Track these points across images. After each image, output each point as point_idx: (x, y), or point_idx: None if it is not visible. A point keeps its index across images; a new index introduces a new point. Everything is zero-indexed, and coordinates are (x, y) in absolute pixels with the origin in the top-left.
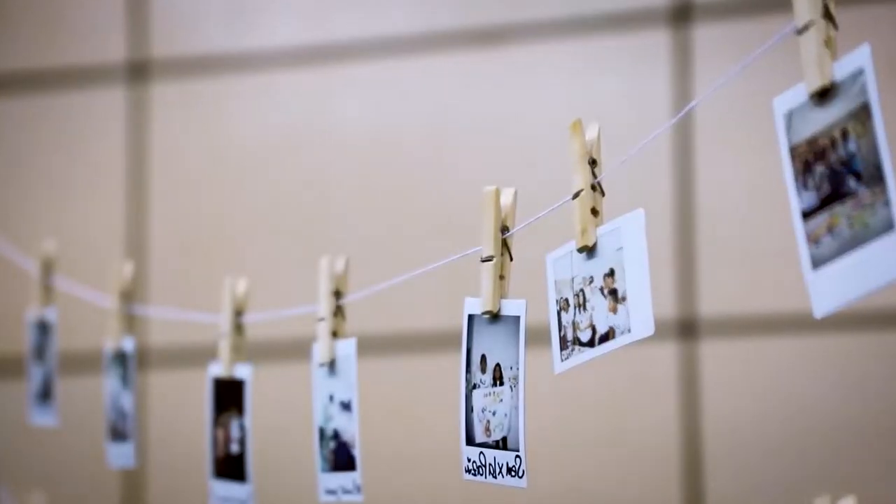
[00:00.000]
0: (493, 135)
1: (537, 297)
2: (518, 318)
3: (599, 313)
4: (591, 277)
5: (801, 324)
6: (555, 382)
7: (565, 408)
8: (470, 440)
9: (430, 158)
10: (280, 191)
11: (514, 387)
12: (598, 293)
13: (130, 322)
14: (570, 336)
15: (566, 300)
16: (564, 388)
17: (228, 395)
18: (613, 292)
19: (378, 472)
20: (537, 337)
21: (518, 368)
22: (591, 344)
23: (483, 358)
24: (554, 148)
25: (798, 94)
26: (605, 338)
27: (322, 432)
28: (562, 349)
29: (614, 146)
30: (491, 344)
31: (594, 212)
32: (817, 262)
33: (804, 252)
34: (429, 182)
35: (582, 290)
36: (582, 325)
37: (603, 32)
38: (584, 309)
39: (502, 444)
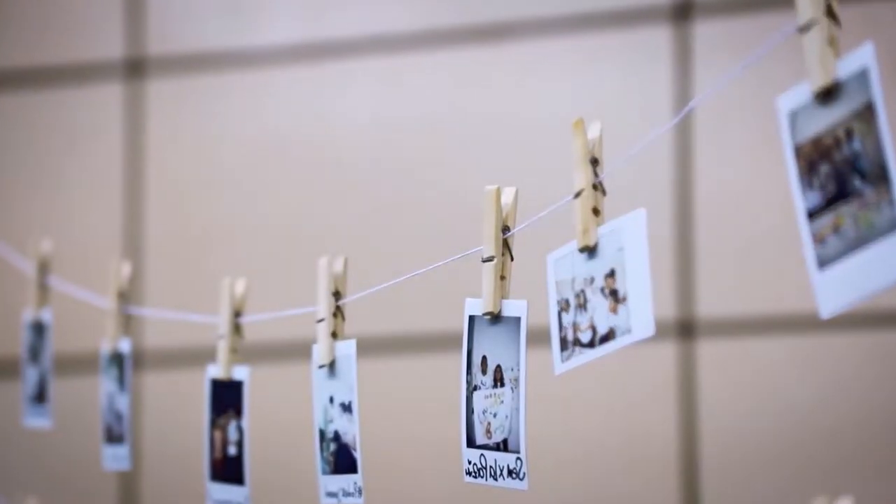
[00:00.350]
0: (494, 133)
1: (538, 298)
2: (519, 318)
3: (600, 314)
4: (592, 278)
5: (799, 324)
6: (554, 383)
7: (564, 408)
8: (471, 442)
9: (430, 157)
10: (278, 189)
11: (514, 388)
12: (599, 293)
13: (127, 323)
14: (570, 337)
15: (567, 301)
16: (563, 389)
17: (226, 397)
18: (614, 293)
19: (378, 474)
20: (538, 338)
21: (519, 370)
22: (591, 345)
23: (484, 359)
24: (555, 146)
25: (801, 92)
26: (606, 338)
27: (322, 434)
28: (562, 350)
29: (615, 144)
30: (492, 345)
31: (595, 211)
32: (823, 263)
33: (810, 252)
34: (429, 181)
35: (583, 291)
36: (582, 326)
37: (604, 30)
38: (585, 309)
39: (503, 446)
